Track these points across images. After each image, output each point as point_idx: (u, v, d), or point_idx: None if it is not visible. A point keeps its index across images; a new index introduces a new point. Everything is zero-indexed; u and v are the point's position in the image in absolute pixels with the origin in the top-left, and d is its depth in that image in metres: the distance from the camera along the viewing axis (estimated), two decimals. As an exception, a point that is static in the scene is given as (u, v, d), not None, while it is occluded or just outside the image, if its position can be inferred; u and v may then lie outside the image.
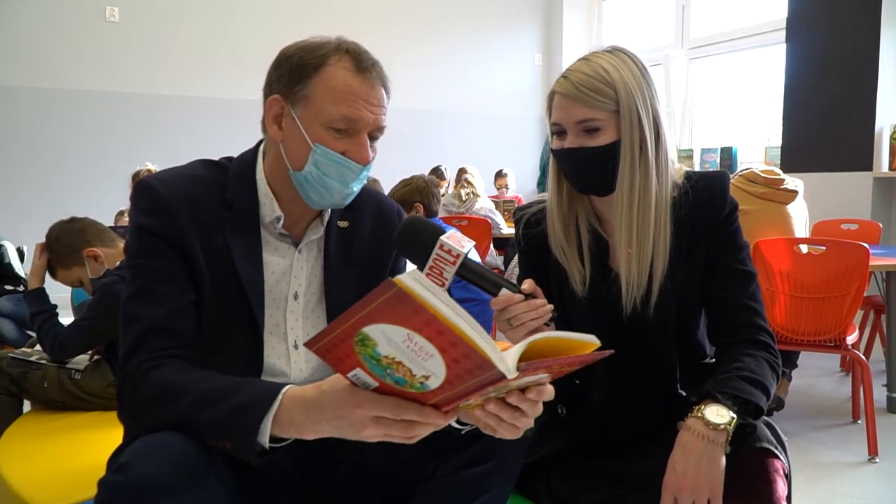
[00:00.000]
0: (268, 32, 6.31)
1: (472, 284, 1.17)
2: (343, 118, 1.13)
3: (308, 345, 0.79)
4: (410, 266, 1.11)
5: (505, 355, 0.74)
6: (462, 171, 5.97)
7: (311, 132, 1.14)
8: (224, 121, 6.19)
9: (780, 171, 3.08)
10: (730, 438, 1.11)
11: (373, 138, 1.19)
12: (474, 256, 1.26)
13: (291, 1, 6.65)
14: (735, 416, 1.12)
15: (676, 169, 1.34)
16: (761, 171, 3.03)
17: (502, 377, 0.73)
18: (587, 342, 0.86)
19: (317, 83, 1.13)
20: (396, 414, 0.82)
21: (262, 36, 6.30)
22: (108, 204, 4.83)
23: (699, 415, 1.13)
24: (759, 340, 1.28)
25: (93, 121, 5.97)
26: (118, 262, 2.23)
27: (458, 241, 1.15)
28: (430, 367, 0.75)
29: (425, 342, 0.72)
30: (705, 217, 1.31)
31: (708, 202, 1.31)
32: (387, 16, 7.20)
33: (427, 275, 1.17)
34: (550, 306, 1.15)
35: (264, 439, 0.93)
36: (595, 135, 1.24)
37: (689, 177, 1.33)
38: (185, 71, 6.28)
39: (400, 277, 0.69)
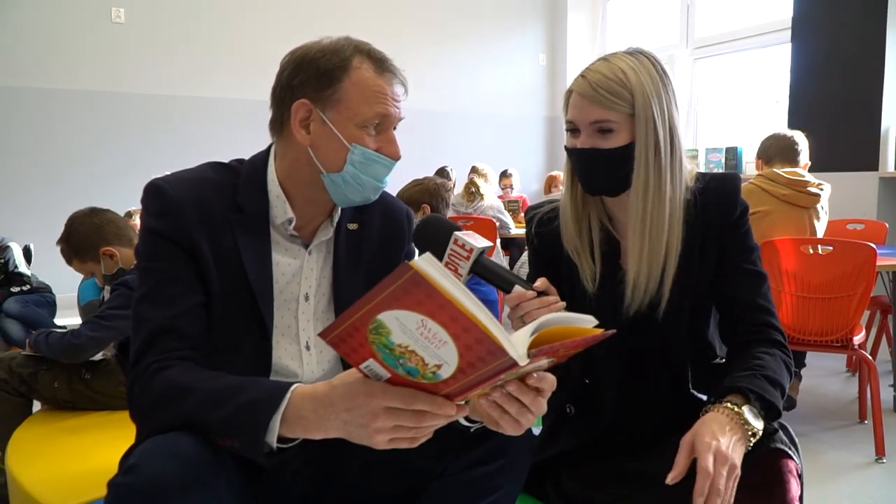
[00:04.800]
0: (274, 33, 6.32)
1: (486, 281, 1.18)
2: (376, 115, 1.17)
3: (322, 335, 0.80)
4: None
5: (514, 341, 0.74)
6: (472, 170, 5.98)
7: (346, 133, 1.16)
8: (231, 121, 6.20)
9: (804, 172, 3.02)
10: (750, 445, 1.10)
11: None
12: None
13: (297, 2, 6.66)
14: (764, 422, 1.12)
15: (689, 171, 1.34)
16: (784, 172, 2.98)
17: (514, 364, 0.73)
18: (587, 324, 0.87)
19: (348, 85, 1.16)
20: (408, 403, 0.82)
21: (269, 36, 6.31)
22: (114, 204, 4.84)
23: (736, 410, 1.11)
24: (774, 340, 1.28)
25: (98, 121, 5.97)
26: (134, 264, 2.23)
27: (472, 237, 1.17)
28: (442, 355, 0.75)
29: (439, 328, 0.73)
30: (718, 218, 1.32)
31: (720, 203, 1.32)
32: (391, 16, 7.21)
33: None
34: (562, 303, 1.16)
35: (272, 438, 0.93)
36: (608, 136, 1.25)
37: (700, 178, 1.34)
38: (190, 71, 6.29)
39: (415, 261, 0.70)
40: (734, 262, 1.32)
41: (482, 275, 1.17)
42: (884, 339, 3.75)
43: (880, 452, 2.65)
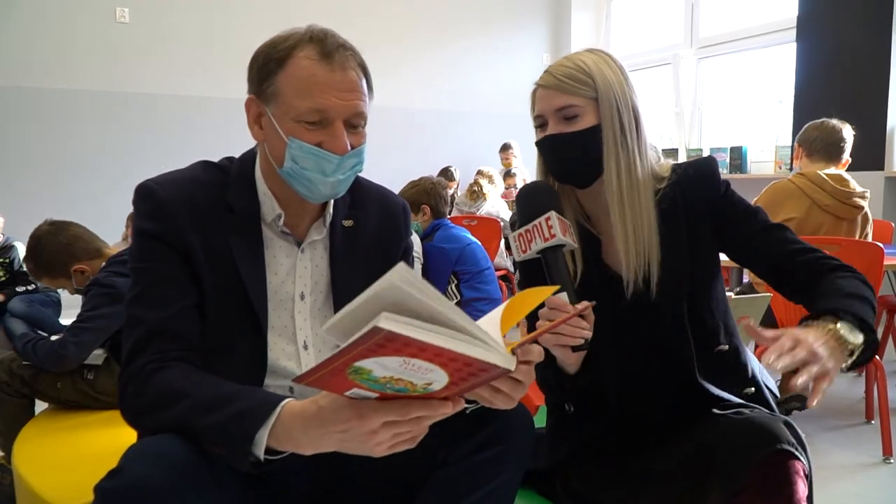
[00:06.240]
0: (280, 32, 6.31)
1: (546, 271, 1.21)
2: (311, 111, 1.10)
3: (298, 380, 0.76)
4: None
5: (490, 340, 0.73)
6: (478, 172, 6.00)
7: (284, 127, 1.13)
8: (236, 121, 6.18)
9: (847, 176, 2.87)
10: (848, 353, 1.09)
11: (354, 126, 1.16)
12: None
13: (302, 1, 6.66)
14: (864, 339, 1.11)
15: (661, 164, 1.36)
16: (829, 177, 2.84)
17: (507, 372, 0.74)
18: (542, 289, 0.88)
19: (282, 78, 1.12)
20: (404, 414, 0.82)
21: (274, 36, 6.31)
22: (119, 204, 4.84)
23: (830, 327, 1.10)
24: (837, 266, 1.27)
25: (103, 121, 5.98)
26: (103, 264, 2.22)
27: (564, 230, 1.20)
28: (431, 377, 0.74)
29: (422, 362, 0.71)
30: (702, 201, 1.33)
31: (701, 187, 1.34)
32: (395, 17, 7.21)
33: (519, 235, 1.23)
34: (588, 333, 1.17)
35: (259, 450, 0.92)
36: (574, 121, 1.28)
37: (676, 169, 1.36)
38: (195, 71, 6.30)
39: (384, 322, 0.65)
40: (748, 230, 1.33)
41: (546, 263, 1.20)
42: (890, 338, 3.73)
43: (888, 452, 2.64)
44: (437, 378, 0.74)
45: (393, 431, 0.84)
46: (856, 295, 1.18)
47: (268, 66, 1.13)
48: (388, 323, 0.66)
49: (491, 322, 0.79)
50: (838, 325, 1.10)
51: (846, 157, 2.98)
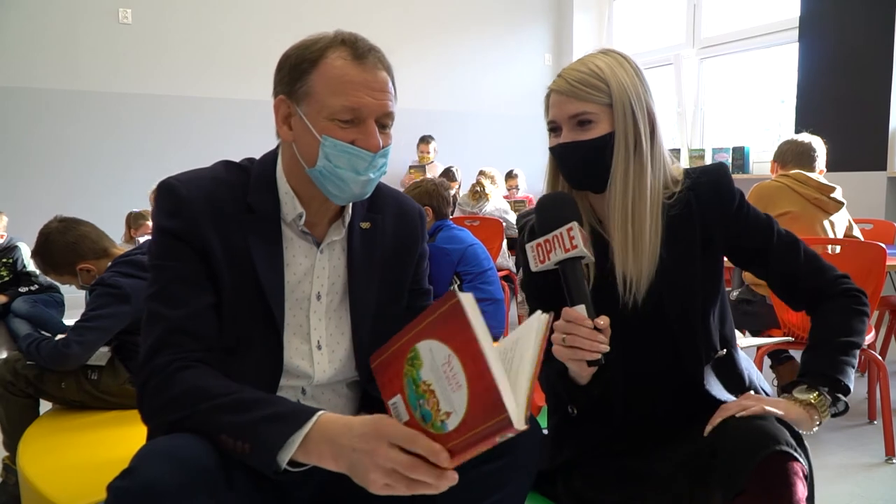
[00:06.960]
0: (283, 34, 6.30)
1: (563, 283, 1.19)
2: (345, 108, 1.13)
3: (372, 359, 0.86)
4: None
5: (517, 400, 0.79)
6: (480, 173, 6.00)
7: (317, 126, 1.14)
8: (240, 122, 6.20)
9: (822, 177, 3.03)
10: (823, 413, 1.22)
11: (383, 126, 1.18)
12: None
13: (305, 2, 6.67)
14: (818, 391, 1.22)
15: (674, 168, 1.36)
16: (812, 175, 2.98)
17: (510, 426, 0.76)
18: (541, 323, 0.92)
19: (316, 77, 1.14)
20: (409, 443, 0.87)
21: (277, 37, 6.31)
22: (120, 204, 4.86)
23: (789, 394, 1.24)
24: (835, 294, 1.33)
25: (105, 122, 5.99)
26: (109, 264, 2.22)
27: (585, 241, 1.18)
28: (454, 401, 0.80)
29: (459, 368, 0.78)
30: (716, 210, 1.32)
31: (716, 195, 1.33)
32: (395, 18, 7.21)
33: (538, 245, 1.22)
34: (606, 348, 1.16)
35: (284, 456, 0.94)
36: (588, 127, 1.26)
37: (689, 174, 1.35)
38: (198, 72, 6.30)
39: (460, 295, 0.77)
40: (764, 245, 1.35)
41: (564, 275, 1.19)
42: (893, 339, 3.74)
43: (890, 453, 2.64)
44: (458, 406, 0.80)
45: (391, 464, 0.87)
46: (833, 345, 1.28)
47: (300, 66, 1.15)
48: (464, 298, 0.78)
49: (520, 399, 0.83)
50: (794, 390, 1.24)
51: (820, 165, 3.14)
